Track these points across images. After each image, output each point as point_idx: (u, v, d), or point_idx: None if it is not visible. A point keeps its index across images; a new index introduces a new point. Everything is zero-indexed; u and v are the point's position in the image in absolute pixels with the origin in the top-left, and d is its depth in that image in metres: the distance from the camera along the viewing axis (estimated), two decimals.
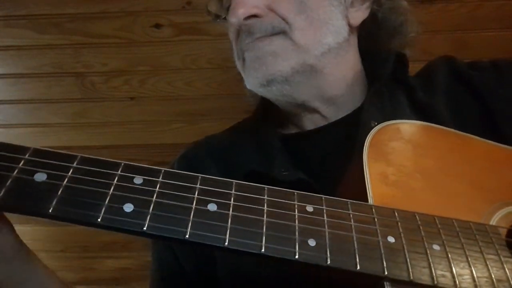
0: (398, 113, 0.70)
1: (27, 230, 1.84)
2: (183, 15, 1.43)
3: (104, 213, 0.43)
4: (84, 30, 1.45)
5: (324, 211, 0.48)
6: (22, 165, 0.44)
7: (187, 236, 0.43)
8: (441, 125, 0.63)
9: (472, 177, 0.58)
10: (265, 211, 0.46)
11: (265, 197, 0.48)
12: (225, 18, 0.76)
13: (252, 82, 0.71)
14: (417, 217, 0.49)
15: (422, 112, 0.70)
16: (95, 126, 1.68)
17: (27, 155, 0.45)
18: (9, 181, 0.43)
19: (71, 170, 0.45)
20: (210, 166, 0.75)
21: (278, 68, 0.68)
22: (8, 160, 0.44)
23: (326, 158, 0.71)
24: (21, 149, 0.45)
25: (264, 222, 0.45)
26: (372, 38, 0.79)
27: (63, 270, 2.08)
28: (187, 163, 0.79)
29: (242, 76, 0.77)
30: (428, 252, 0.46)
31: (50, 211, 0.42)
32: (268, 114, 0.80)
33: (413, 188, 0.54)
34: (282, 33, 0.69)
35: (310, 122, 0.76)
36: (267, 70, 0.68)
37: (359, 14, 0.74)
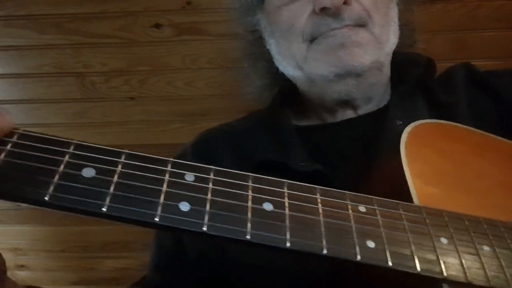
0: (418, 114, 0.70)
1: (27, 230, 1.83)
2: (183, 15, 1.44)
3: (161, 211, 0.39)
4: (84, 30, 1.45)
5: (377, 211, 0.47)
6: (68, 159, 0.40)
7: (248, 236, 0.40)
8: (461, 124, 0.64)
9: (500, 177, 0.58)
10: (320, 210, 0.45)
11: (318, 196, 0.46)
12: None
13: (326, 69, 0.68)
14: (464, 218, 0.50)
15: (440, 113, 0.70)
16: (95, 126, 1.68)
17: (71, 149, 0.41)
18: (56, 176, 0.39)
19: (120, 166, 0.41)
20: (224, 151, 0.74)
21: (361, 61, 0.66)
22: (53, 154, 0.40)
23: (342, 152, 0.71)
24: (64, 143, 0.42)
25: (322, 222, 0.43)
26: None
27: (63, 270, 2.08)
28: (202, 146, 0.78)
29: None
30: (479, 253, 0.47)
31: (104, 209, 0.38)
32: (285, 105, 0.80)
33: (449, 187, 0.55)
34: (365, 25, 0.68)
35: (340, 117, 0.75)
36: (352, 60, 0.66)
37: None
